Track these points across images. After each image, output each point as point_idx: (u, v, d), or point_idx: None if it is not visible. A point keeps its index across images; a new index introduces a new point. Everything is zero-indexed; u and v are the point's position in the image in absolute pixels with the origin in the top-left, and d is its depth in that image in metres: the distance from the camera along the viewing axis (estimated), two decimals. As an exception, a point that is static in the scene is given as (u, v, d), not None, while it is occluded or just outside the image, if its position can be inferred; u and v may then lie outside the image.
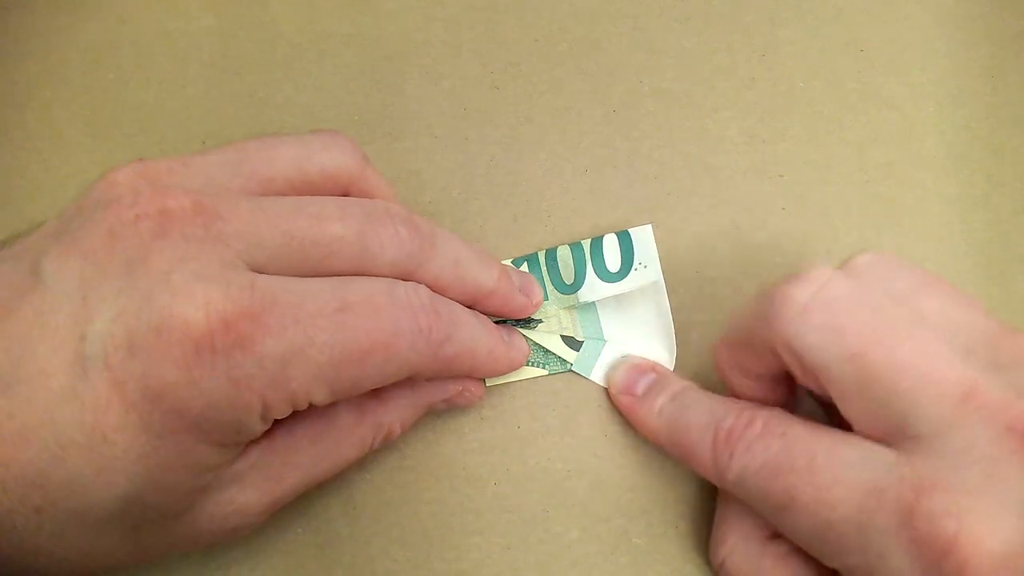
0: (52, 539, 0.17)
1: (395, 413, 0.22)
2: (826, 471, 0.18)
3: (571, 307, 0.25)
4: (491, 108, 0.28)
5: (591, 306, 0.25)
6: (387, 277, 0.19)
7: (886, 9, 0.29)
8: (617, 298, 0.25)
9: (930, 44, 0.29)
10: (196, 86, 0.28)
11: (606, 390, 0.25)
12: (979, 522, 0.16)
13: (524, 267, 0.25)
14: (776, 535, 0.21)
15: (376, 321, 0.18)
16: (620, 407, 0.24)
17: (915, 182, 0.27)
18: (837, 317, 0.18)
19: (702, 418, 0.21)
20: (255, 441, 0.19)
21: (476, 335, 0.21)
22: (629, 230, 0.26)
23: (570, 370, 0.25)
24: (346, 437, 0.21)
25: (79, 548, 0.17)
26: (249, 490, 0.19)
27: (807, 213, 0.27)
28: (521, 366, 0.24)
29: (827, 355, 0.18)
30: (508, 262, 0.26)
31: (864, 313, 0.18)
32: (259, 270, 0.18)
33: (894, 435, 0.17)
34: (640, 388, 0.23)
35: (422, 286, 0.20)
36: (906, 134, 0.28)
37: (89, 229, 0.17)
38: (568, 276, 0.25)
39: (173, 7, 0.29)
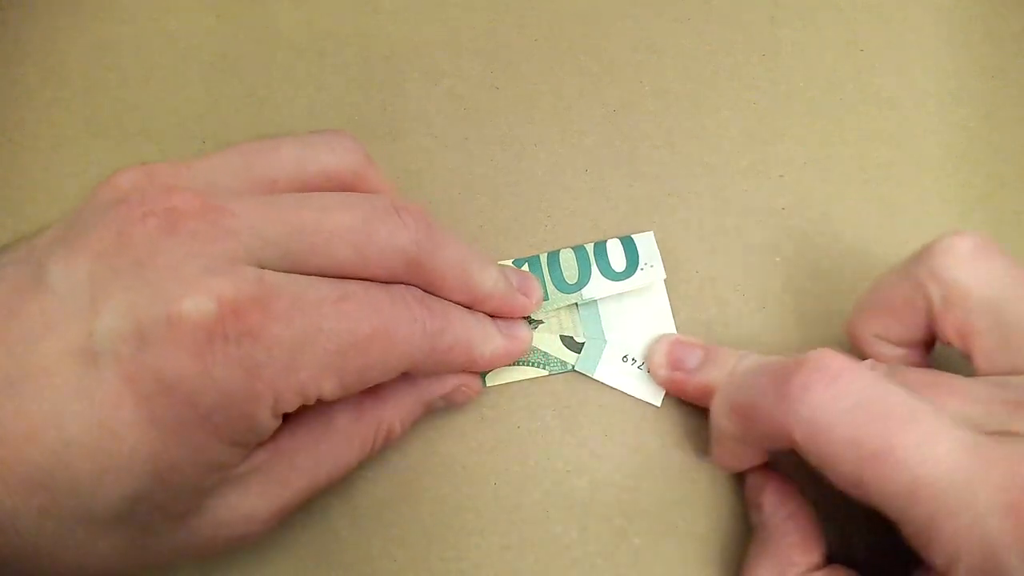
0: (54, 541, 0.16)
1: (394, 410, 0.22)
2: (928, 423, 0.16)
3: (572, 306, 0.25)
4: (491, 108, 0.28)
5: (593, 305, 0.25)
6: (392, 270, 0.20)
7: (886, 9, 0.29)
8: (619, 298, 0.25)
9: (930, 44, 0.29)
10: (196, 86, 0.28)
11: (607, 388, 0.25)
12: None
13: (525, 267, 0.25)
14: (813, 568, 0.20)
15: (376, 311, 0.19)
16: (667, 382, 0.24)
17: (915, 182, 0.27)
18: (995, 258, 0.19)
19: (773, 367, 0.18)
20: (260, 444, 0.19)
21: (470, 327, 0.22)
22: (632, 235, 0.26)
23: (573, 370, 0.25)
24: (347, 437, 0.21)
25: (81, 551, 0.17)
26: (254, 495, 0.19)
27: (807, 213, 0.27)
28: (524, 355, 0.24)
29: (992, 291, 0.18)
30: (509, 262, 0.26)
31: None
32: (266, 267, 0.18)
33: None
34: (691, 363, 0.23)
35: (413, 287, 0.20)
36: (906, 134, 0.28)
37: (97, 230, 0.17)
38: (571, 276, 0.25)
39: (173, 7, 0.29)
